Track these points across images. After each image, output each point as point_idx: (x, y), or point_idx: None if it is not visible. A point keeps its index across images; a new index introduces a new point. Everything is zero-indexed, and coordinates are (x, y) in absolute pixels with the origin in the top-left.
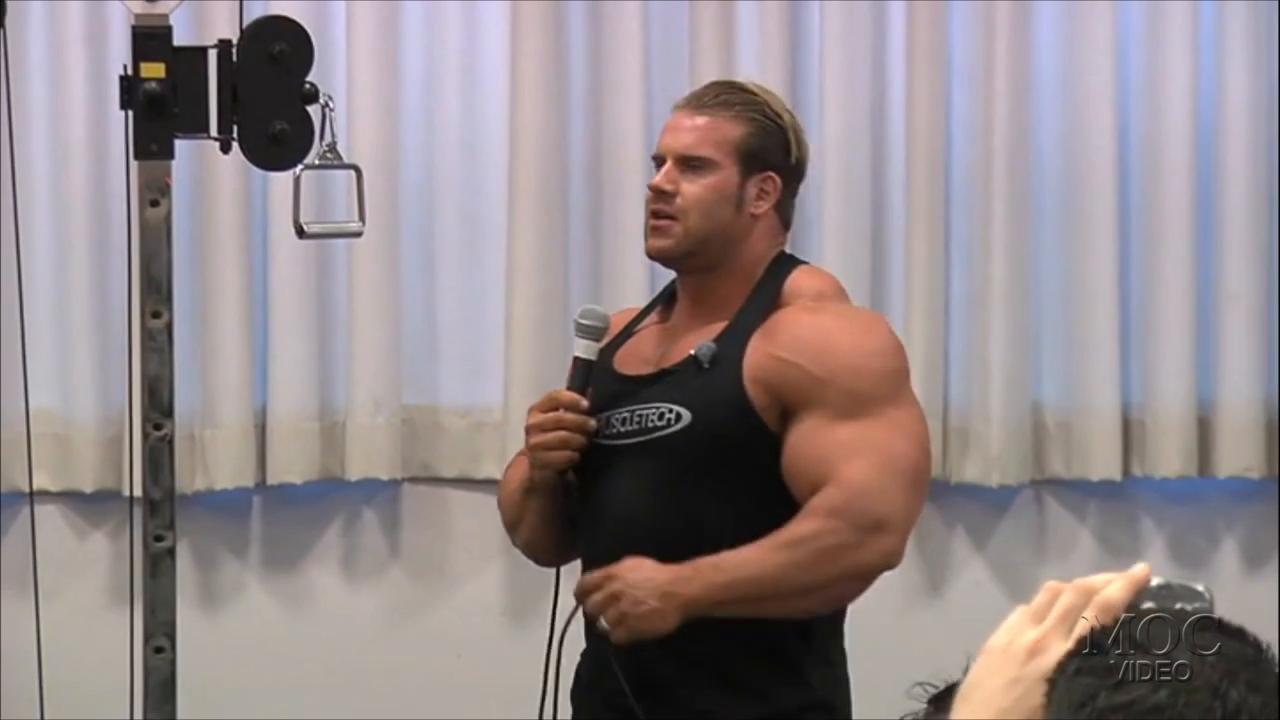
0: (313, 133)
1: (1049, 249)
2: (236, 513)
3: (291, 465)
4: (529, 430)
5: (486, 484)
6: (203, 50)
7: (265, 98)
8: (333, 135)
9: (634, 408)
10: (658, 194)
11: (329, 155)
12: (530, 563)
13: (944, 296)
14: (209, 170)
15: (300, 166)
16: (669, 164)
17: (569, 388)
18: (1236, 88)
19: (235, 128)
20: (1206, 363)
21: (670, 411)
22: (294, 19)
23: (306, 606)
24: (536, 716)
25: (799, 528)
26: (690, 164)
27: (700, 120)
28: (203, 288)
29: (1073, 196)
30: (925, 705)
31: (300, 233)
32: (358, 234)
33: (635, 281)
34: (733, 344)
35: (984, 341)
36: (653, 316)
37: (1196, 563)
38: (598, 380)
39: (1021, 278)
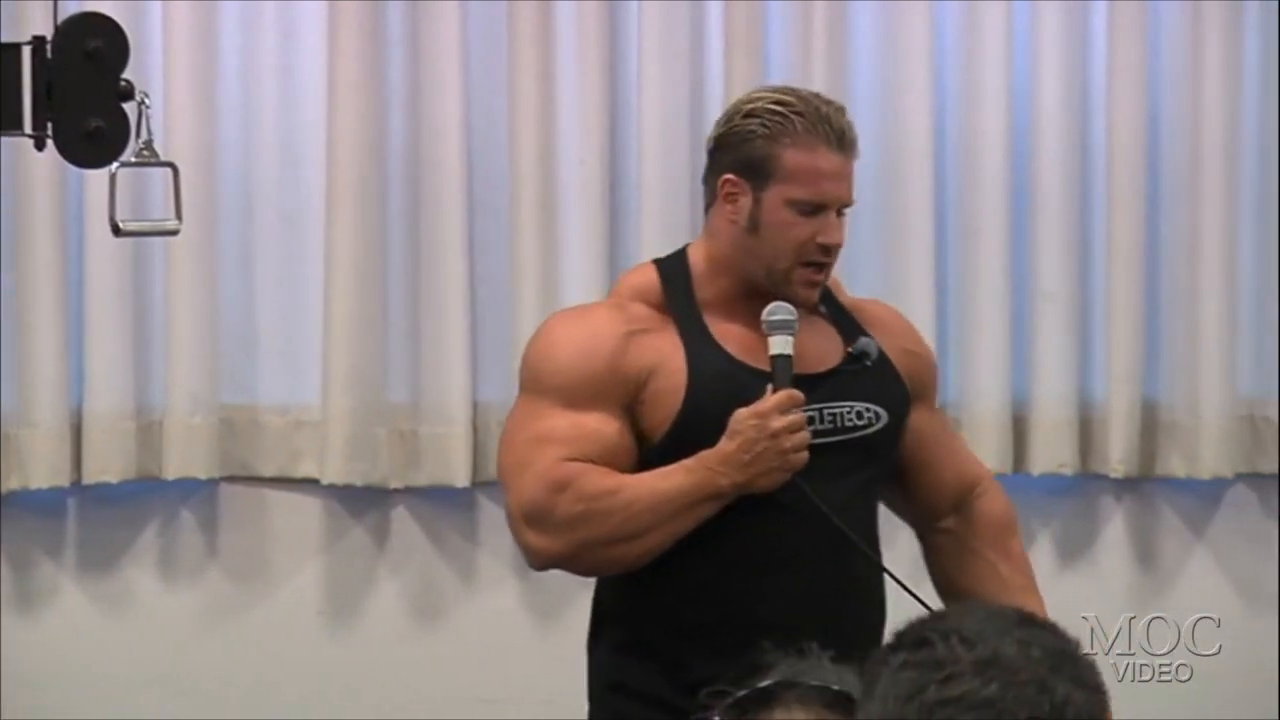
0: (129, 130)
1: (866, 248)
2: (52, 513)
3: (108, 464)
4: (778, 434)
5: (305, 483)
6: (16, 47)
7: (81, 95)
8: (149, 133)
9: (820, 406)
10: (830, 249)
11: (145, 153)
12: (346, 562)
13: None
14: (24, 168)
15: (116, 164)
16: (835, 215)
17: (779, 385)
18: (1050, 88)
19: (50, 125)
20: (1021, 361)
21: (869, 411)
22: (110, 16)
23: (124, 607)
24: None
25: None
26: (842, 211)
27: (850, 164)
28: (18, 286)
29: (889, 196)
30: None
31: (116, 231)
32: (174, 232)
33: (453, 281)
34: (868, 340)
35: None
36: (717, 316)
37: None
38: (748, 380)
39: (838, 276)
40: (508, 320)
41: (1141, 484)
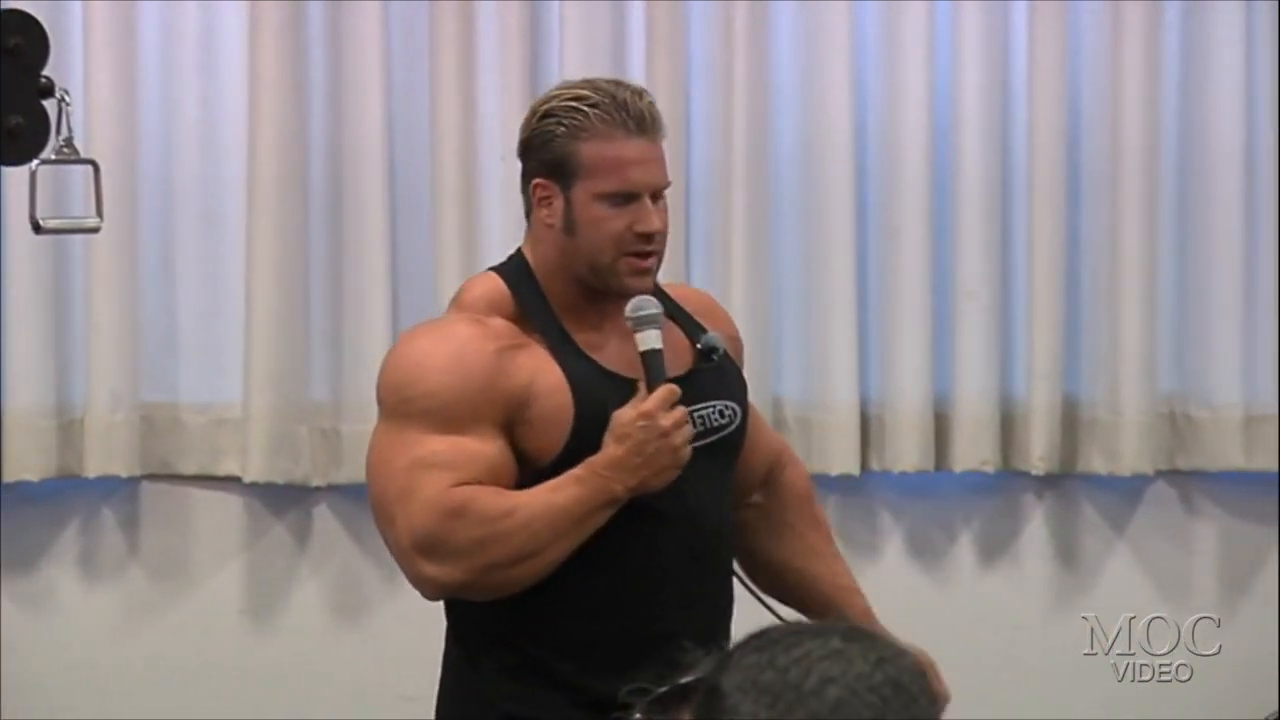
0: (49, 127)
1: (788, 246)
2: None
3: (28, 462)
4: (668, 432)
5: (227, 481)
6: None
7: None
8: (69, 130)
9: (690, 410)
10: (651, 236)
11: (65, 150)
12: (268, 561)
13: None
14: None
15: (36, 161)
16: (651, 201)
17: (654, 382)
18: (971, 88)
19: None
20: (943, 359)
21: (728, 408)
22: (29, 13)
23: (45, 606)
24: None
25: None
26: (658, 195)
27: (656, 147)
28: None
29: (811, 194)
30: (651, 703)
31: (36, 228)
32: (95, 230)
33: (375, 278)
34: (712, 335)
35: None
36: (573, 324)
37: (933, 555)
38: (613, 387)
39: (761, 275)
40: (429, 314)
41: (1062, 481)
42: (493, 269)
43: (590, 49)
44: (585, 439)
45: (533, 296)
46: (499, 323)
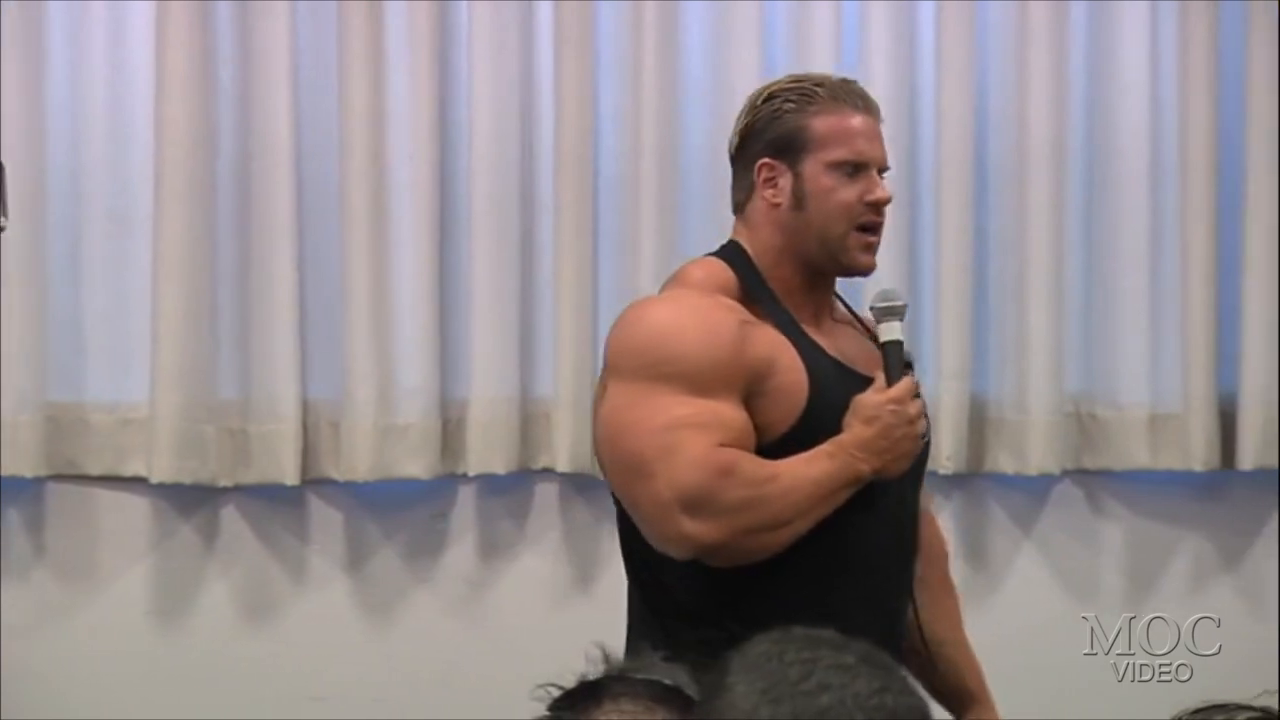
0: None
1: (697, 245)
2: None
3: None
4: (913, 419)
5: (134, 481)
6: None
7: None
8: None
9: None
10: (880, 207)
11: None
12: (175, 562)
13: (592, 292)
14: None
15: None
16: (877, 174)
17: (893, 372)
18: (879, 87)
19: None
20: None
21: (926, 419)
22: None
23: None
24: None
25: None
26: (882, 173)
27: (878, 126)
28: None
29: (719, 192)
30: (558, 701)
31: None
32: (0, 230)
33: (282, 278)
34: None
35: None
36: (795, 312)
37: None
38: (838, 373)
39: (669, 272)
40: (338, 317)
41: (970, 480)
42: (712, 255)
43: (499, 48)
44: (816, 417)
45: (755, 281)
46: (730, 300)
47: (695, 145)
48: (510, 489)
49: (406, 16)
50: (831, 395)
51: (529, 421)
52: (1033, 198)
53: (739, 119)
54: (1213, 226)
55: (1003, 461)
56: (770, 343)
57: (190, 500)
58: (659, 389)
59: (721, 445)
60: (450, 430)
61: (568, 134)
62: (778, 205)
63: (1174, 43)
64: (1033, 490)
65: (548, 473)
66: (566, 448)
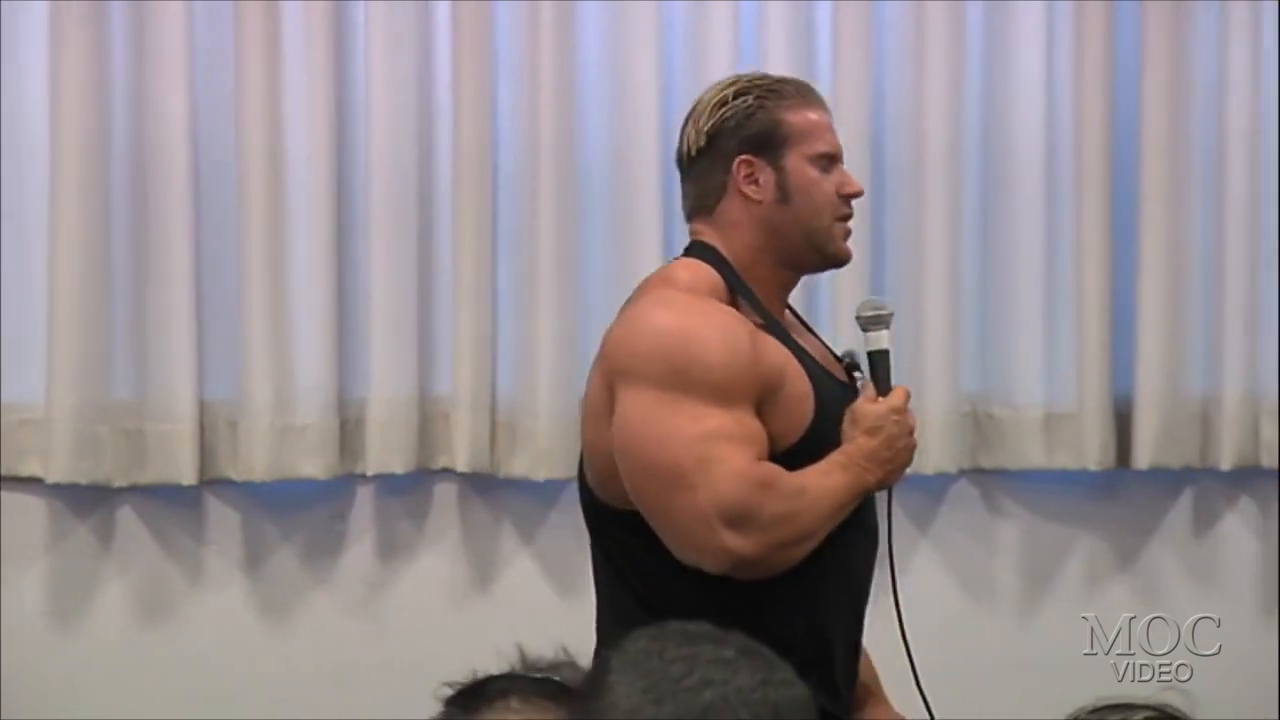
0: None
1: (595, 243)
2: None
3: None
4: (912, 429)
5: (29, 482)
6: None
7: None
8: None
9: None
10: (853, 198)
11: None
12: (71, 563)
13: (491, 292)
14: None
15: None
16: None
17: (885, 383)
18: None
19: None
20: None
21: None
22: None
23: None
24: None
25: None
26: None
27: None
28: None
29: (618, 190)
30: (451, 701)
31: None
32: None
33: (179, 277)
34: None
35: (533, 336)
36: (762, 314)
37: None
38: (829, 378)
39: (569, 273)
40: (235, 317)
41: None
42: (692, 258)
43: (396, 48)
44: (822, 425)
45: (741, 286)
46: (725, 305)
47: (593, 144)
48: (409, 489)
49: (303, 16)
50: (830, 404)
51: (428, 421)
52: (929, 198)
53: (699, 121)
54: (1108, 227)
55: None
56: (778, 352)
57: (87, 501)
58: (686, 398)
59: (759, 457)
60: (348, 430)
61: (466, 133)
62: (759, 202)
63: (1070, 43)
64: (930, 489)
65: (447, 473)
66: (465, 447)
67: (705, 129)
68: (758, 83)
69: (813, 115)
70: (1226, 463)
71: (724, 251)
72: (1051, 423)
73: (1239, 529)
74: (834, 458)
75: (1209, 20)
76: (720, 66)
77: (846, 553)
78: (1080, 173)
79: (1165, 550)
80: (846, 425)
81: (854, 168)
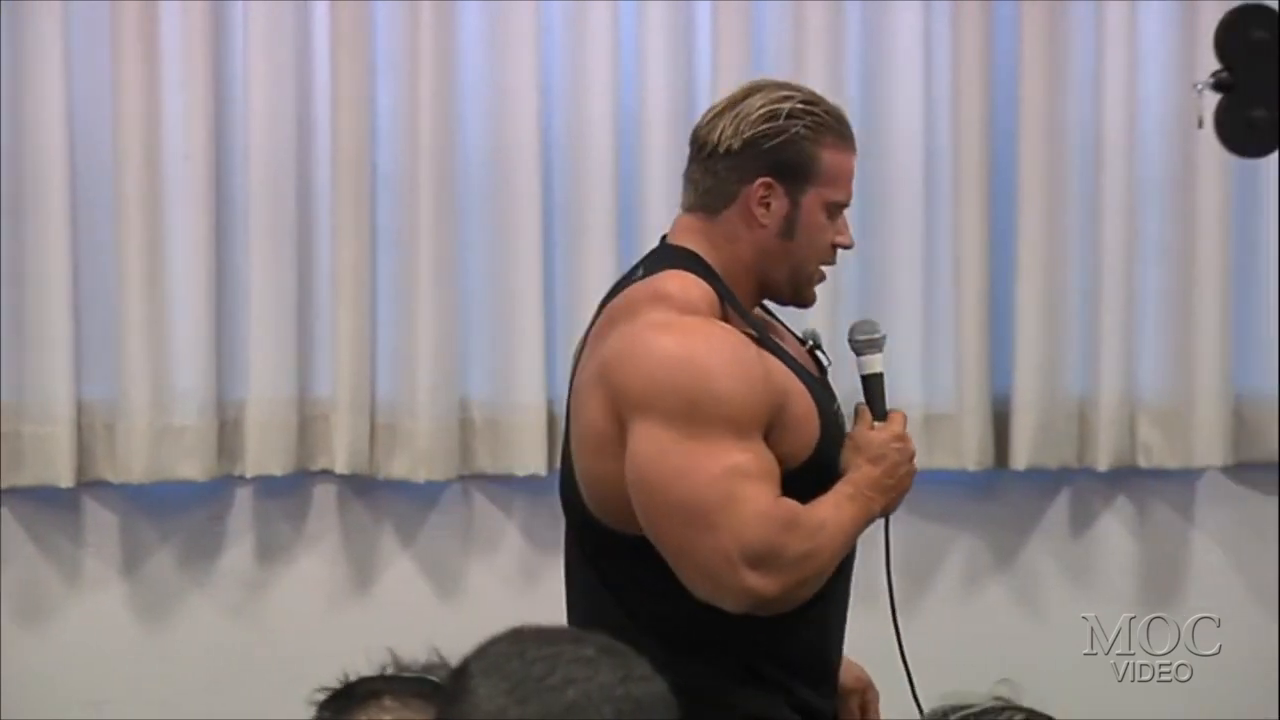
0: None
1: (475, 245)
2: None
3: None
4: (912, 456)
5: None
6: None
7: None
8: None
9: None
10: (842, 248)
11: None
12: None
13: (371, 293)
14: None
15: None
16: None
17: (880, 407)
18: (656, 88)
19: None
20: None
21: None
22: None
23: None
24: None
25: None
26: None
27: None
28: None
29: (498, 194)
30: (324, 704)
31: None
32: None
33: (57, 277)
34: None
35: (412, 337)
36: (739, 323)
37: None
38: (829, 393)
39: (448, 274)
40: (112, 318)
41: None
42: (681, 269)
43: (275, 48)
44: (827, 444)
45: (729, 295)
46: (723, 322)
47: (472, 144)
48: (288, 491)
49: (181, 16)
50: (829, 418)
51: (307, 422)
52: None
53: (740, 121)
54: (986, 228)
55: None
56: (780, 371)
57: None
58: (702, 433)
59: (779, 494)
60: (227, 431)
61: (345, 133)
62: (764, 227)
63: (947, 44)
64: None
65: (326, 474)
66: (345, 448)
67: (744, 134)
68: (810, 108)
69: (846, 163)
70: (1103, 463)
71: (712, 261)
72: (930, 423)
73: (1115, 529)
74: (842, 489)
75: (1086, 21)
76: (599, 67)
77: (844, 569)
78: (958, 174)
79: (1042, 550)
80: (849, 453)
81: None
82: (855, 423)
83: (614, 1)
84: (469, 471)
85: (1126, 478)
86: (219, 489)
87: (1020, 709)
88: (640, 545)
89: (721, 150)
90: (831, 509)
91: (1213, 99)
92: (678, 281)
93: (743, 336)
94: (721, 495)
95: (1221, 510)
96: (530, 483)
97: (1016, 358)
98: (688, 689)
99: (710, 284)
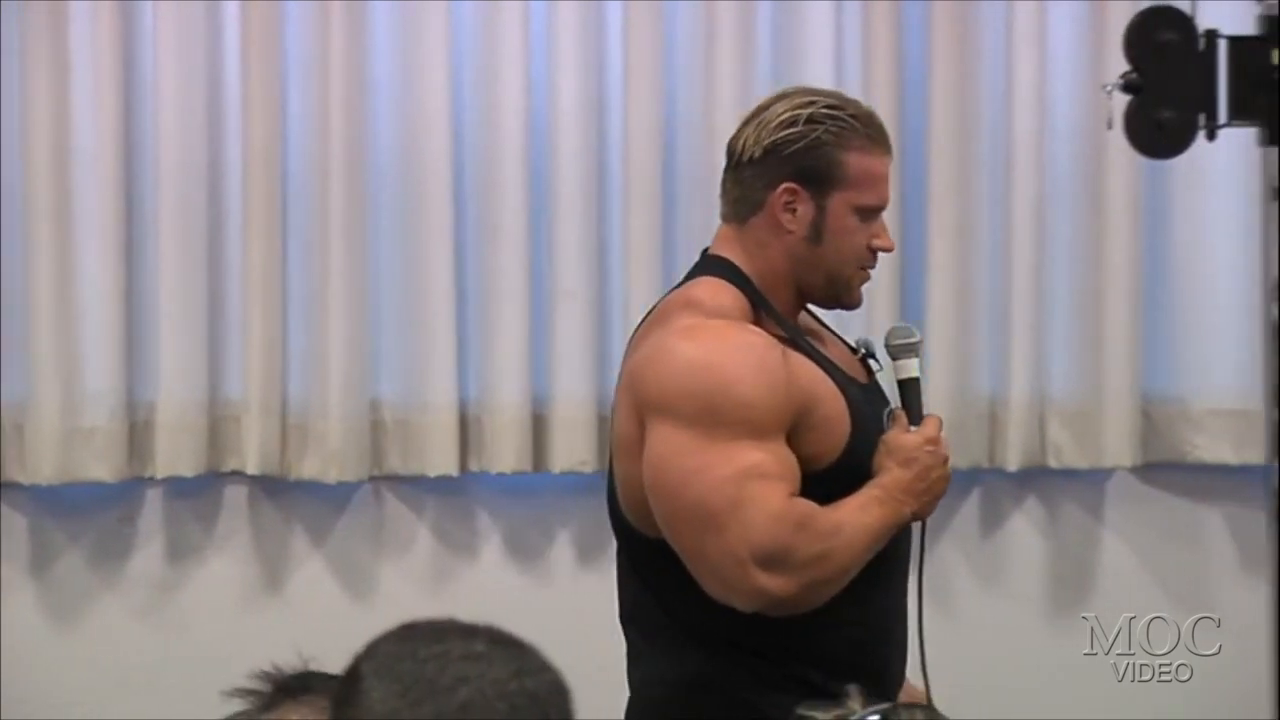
0: None
1: (386, 246)
2: None
3: None
4: (945, 459)
5: None
6: None
7: None
8: None
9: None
10: (882, 252)
11: None
12: None
13: (281, 294)
14: None
15: None
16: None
17: (916, 412)
18: (568, 89)
19: None
20: (541, 359)
21: None
22: None
23: None
24: None
25: None
26: None
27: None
28: None
29: (409, 193)
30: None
31: None
32: None
33: None
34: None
35: (323, 338)
36: (773, 327)
37: (532, 556)
38: (869, 397)
39: (359, 275)
40: (22, 319)
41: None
42: (715, 276)
43: (185, 48)
44: (859, 446)
45: (765, 306)
46: (756, 327)
47: (383, 145)
48: (198, 492)
49: (90, 17)
50: (865, 420)
51: (218, 423)
52: (719, 198)
53: (761, 130)
54: (898, 227)
55: None
56: (809, 373)
57: None
58: (719, 435)
59: (793, 495)
60: (137, 433)
61: (255, 134)
62: (790, 232)
63: (858, 43)
64: None
65: (237, 475)
66: (255, 449)
67: (765, 142)
68: (834, 113)
69: (874, 164)
70: (1013, 463)
71: (747, 270)
72: None
73: (1025, 528)
74: (870, 491)
75: (996, 22)
76: (511, 67)
77: (894, 562)
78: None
79: (953, 549)
80: (881, 456)
81: (644, 168)
82: (890, 426)
83: (525, 1)
84: (380, 472)
85: (1036, 478)
86: (129, 490)
87: (921, 708)
88: (670, 550)
89: (746, 159)
90: (855, 511)
91: (1122, 100)
92: (708, 288)
93: (769, 339)
94: (732, 497)
95: (1130, 510)
96: (441, 483)
97: (927, 357)
98: (725, 690)
99: (742, 289)
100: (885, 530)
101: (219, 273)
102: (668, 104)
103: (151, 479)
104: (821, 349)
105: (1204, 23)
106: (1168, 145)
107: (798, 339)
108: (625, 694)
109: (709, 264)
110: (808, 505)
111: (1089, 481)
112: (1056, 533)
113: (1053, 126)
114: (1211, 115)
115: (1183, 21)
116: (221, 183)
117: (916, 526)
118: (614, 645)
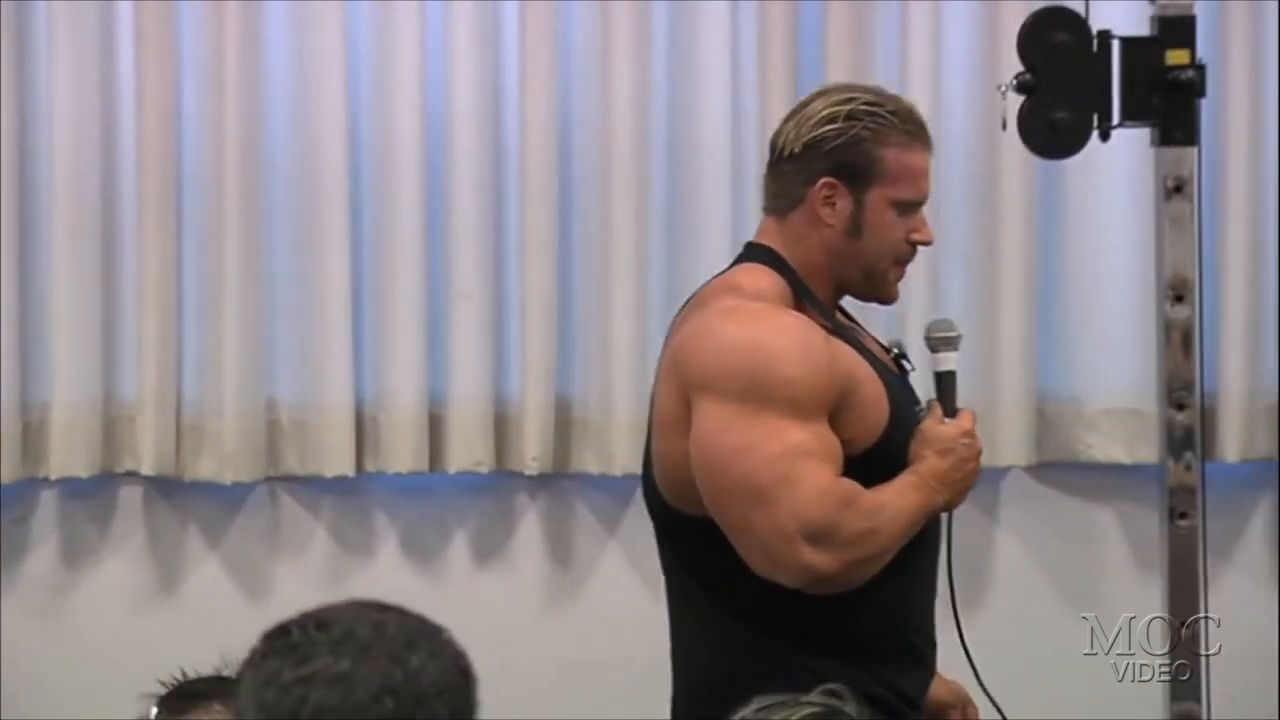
0: None
1: (282, 246)
2: None
3: None
4: (980, 452)
5: None
6: None
7: None
8: None
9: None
10: (921, 245)
11: None
12: None
13: (176, 295)
14: None
15: None
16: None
17: (951, 404)
18: (463, 87)
19: None
20: (437, 359)
21: None
22: None
23: None
24: None
25: None
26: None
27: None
28: None
29: (305, 193)
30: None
31: None
32: None
33: None
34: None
35: (218, 338)
36: (815, 314)
37: (429, 556)
38: (905, 385)
39: (254, 275)
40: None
41: (556, 481)
42: (758, 263)
43: (79, 48)
44: (896, 432)
45: (807, 294)
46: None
47: (279, 145)
48: (93, 492)
49: None
50: (902, 407)
51: (112, 424)
52: (616, 197)
53: (801, 125)
54: None
55: (589, 462)
56: (850, 357)
57: None
58: (764, 412)
59: (838, 474)
60: (31, 433)
61: (150, 134)
62: (830, 226)
63: (753, 42)
64: (617, 491)
65: (131, 476)
66: (150, 450)
67: (804, 137)
68: (873, 109)
69: (913, 160)
70: None
71: (790, 260)
72: None
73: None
74: (907, 478)
75: (890, 22)
76: (406, 67)
77: (927, 556)
78: (764, 171)
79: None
80: (916, 445)
81: (540, 168)
82: (925, 417)
83: (421, 1)
84: (276, 473)
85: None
86: (23, 491)
87: (845, 708)
88: (709, 528)
89: (786, 154)
90: (894, 494)
91: (1016, 101)
92: (749, 274)
93: (810, 322)
94: (781, 472)
95: (1025, 509)
96: (338, 484)
97: None
98: (772, 670)
99: (783, 275)
100: (921, 516)
101: (113, 272)
102: (563, 104)
103: (46, 480)
104: (859, 339)
105: (1097, 24)
106: (1062, 146)
107: (838, 327)
108: (525, 689)
109: (751, 251)
110: (852, 484)
111: (983, 480)
112: (951, 530)
113: (947, 127)
114: (1105, 116)
115: (1076, 23)
116: (116, 182)
117: (944, 518)
118: (511, 644)
